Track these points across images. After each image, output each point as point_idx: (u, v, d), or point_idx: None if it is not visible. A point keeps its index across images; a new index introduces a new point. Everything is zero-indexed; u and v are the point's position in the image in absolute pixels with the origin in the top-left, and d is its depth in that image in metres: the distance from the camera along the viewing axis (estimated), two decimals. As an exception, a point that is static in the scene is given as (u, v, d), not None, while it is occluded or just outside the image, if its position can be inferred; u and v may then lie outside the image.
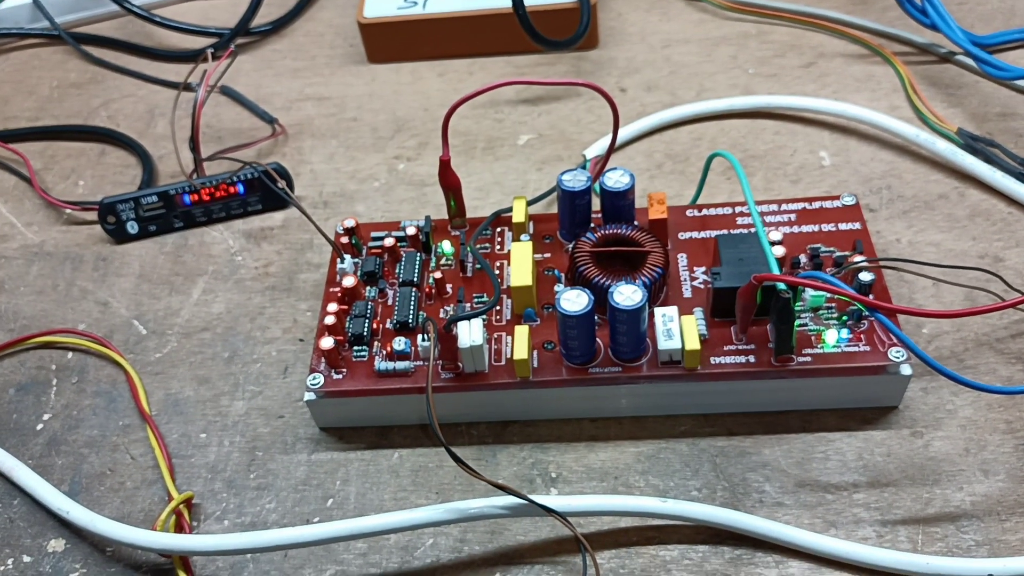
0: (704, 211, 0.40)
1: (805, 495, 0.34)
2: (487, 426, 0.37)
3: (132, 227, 0.45)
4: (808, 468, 0.34)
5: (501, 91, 0.52)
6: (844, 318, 0.35)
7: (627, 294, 0.33)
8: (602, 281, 0.36)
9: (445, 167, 0.39)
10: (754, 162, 0.46)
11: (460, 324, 0.34)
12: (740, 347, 0.35)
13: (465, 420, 0.37)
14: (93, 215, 0.46)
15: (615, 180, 0.38)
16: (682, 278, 0.38)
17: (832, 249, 0.38)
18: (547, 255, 0.39)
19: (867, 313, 0.34)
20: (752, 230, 0.39)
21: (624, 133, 0.47)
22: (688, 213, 0.40)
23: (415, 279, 0.38)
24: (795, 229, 0.39)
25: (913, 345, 0.32)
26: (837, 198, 0.40)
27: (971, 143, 0.45)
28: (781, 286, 0.32)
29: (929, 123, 0.47)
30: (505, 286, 0.38)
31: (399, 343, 0.36)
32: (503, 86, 0.37)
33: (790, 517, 0.33)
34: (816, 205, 0.40)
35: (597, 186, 0.39)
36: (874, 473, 0.34)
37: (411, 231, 0.39)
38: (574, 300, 0.33)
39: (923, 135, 0.45)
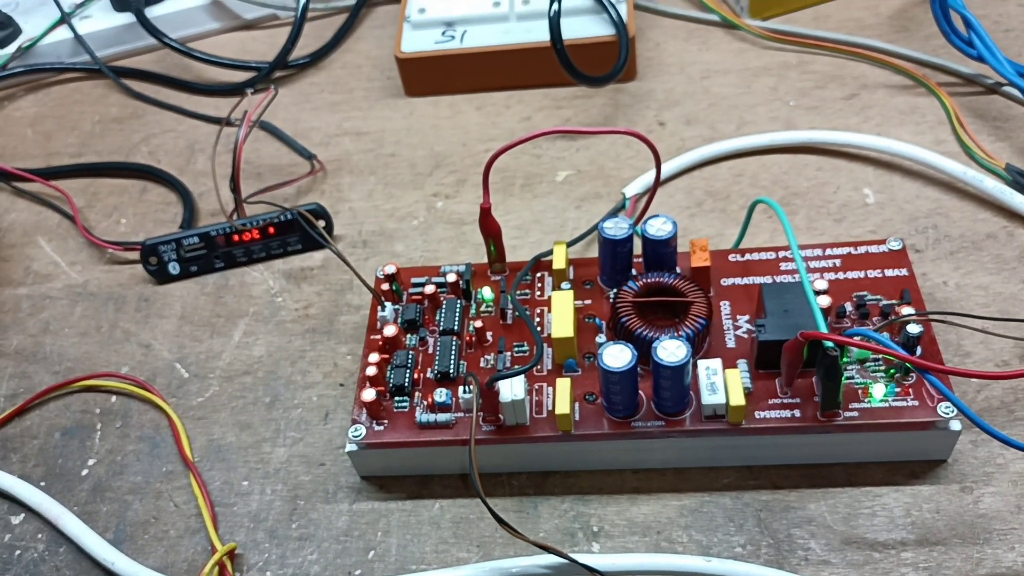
0: (747, 256, 0.40)
1: (852, 553, 0.33)
2: (528, 476, 0.37)
3: (174, 268, 0.46)
4: (855, 524, 0.34)
5: (538, 125, 0.51)
6: (892, 372, 0.34)
7: (671, 349, 0.33)
8: (645, 333, 0.35)
9: (486, 215, 0.39)
10: (796, 200, 0.45)
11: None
12: (785, 401, 0.34)
13: (506, 471, 0.37)
14: (135, 254, 0.47)
15: (657, 228, 0.38)
16: (725, 327, 0.37)
17: (878, 297, 0.37)
18: (588, 302, 0.39)
19: (920, 373, 0.34)
20: (797, 277, 0.38)
21: (664, 169, 0.47)
22: (731, 258, 0.40)
23: (456, 327, 0.38)
24: (840, 276, 0.38)
25: (962, 405, 0.31)
26: (883, 242, 0.39)
27: (1020, 180, 0.44)
28: (828, 344, 0.32)
29: (976, 158, 0.46)
30: (546, 334, 0.38)
31: (440, 395, 0.35)
32: (545, 135, 0.37)
33: (837, 576, 0.32)
34: (862, 250, 0.39)
35: (639, 228, 0.38)
36: (923, 530, 0.33)
37: (452, 278, 0.39)
38: (617, 356, 0.33)
39: (970, 172, 0.44)
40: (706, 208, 0.46)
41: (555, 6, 0.48)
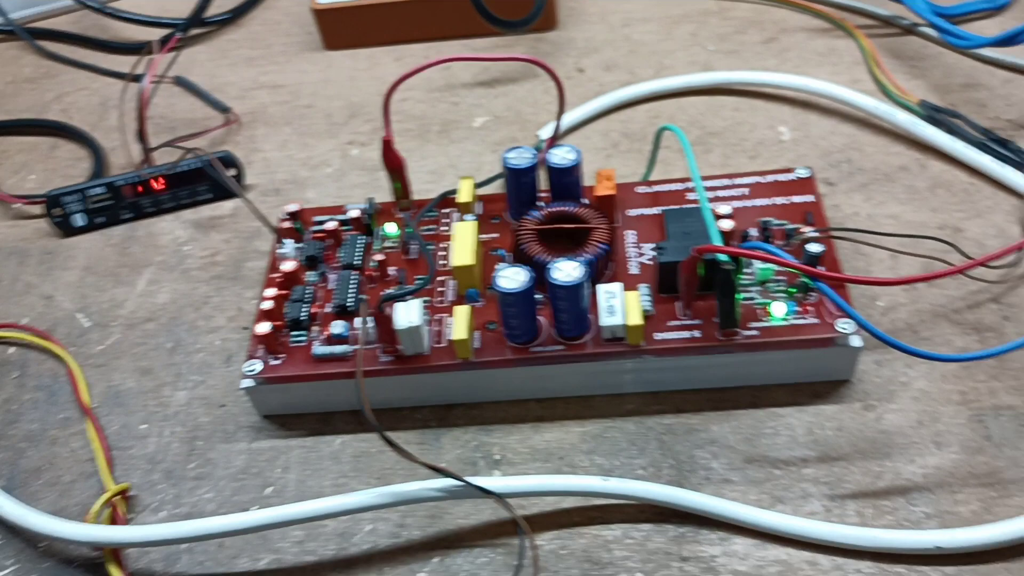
0: (655, 187, 0.39)
1: (753, 471, 0.33)
2: (431, 409, 0.36)
3: (81, 219, 0.45)
4: (757, 444, 0.33)
5: (456, 74, 0.51)
6: (792, 291, 0.34)
7: (567, 270, 0.32)
8: (544, 258, 0.35)
9: (388, 147, 0.38)
10: (712, 139, 0.45)
11: (397, 305, 0.33)
12: (685, 322, 0.34)
13: (409, 404, 0.36)
14: (41, 208, 0.45)
15: (560, 157, 0.37)
16: (630, 255, 0.37)
17: (784, 222, 0.37)
18: (495, 235, 0.38)
19: (813, 284, 0.33)
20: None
21: (580, 113, 0.47)
22: (639, 190, 0.39)
23: (356, 262, 0.37)
24: (747, 203, 0.38)
25: (856, 315, 0.31)
26: (791, 171, 0.39)
27: (933, 114, 0.44)
28: (722, 257, 0.31)
29: (891, 95, 0.46)
30: (449, 266, 0.37)
31: (337, 327, 0.35)
32: (442, 63, 0.36)
33: (737, 494, 0.32)
34: (769, 179, 0.39)
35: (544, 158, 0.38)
36: (824, 448, 0.33)
37: (354, 214, 0.39)
38: (512, 277, 0.32)
39: (883, 107, 0.44)
40: (622, 149, 0.45)
41: (468, -50, 0.48)
